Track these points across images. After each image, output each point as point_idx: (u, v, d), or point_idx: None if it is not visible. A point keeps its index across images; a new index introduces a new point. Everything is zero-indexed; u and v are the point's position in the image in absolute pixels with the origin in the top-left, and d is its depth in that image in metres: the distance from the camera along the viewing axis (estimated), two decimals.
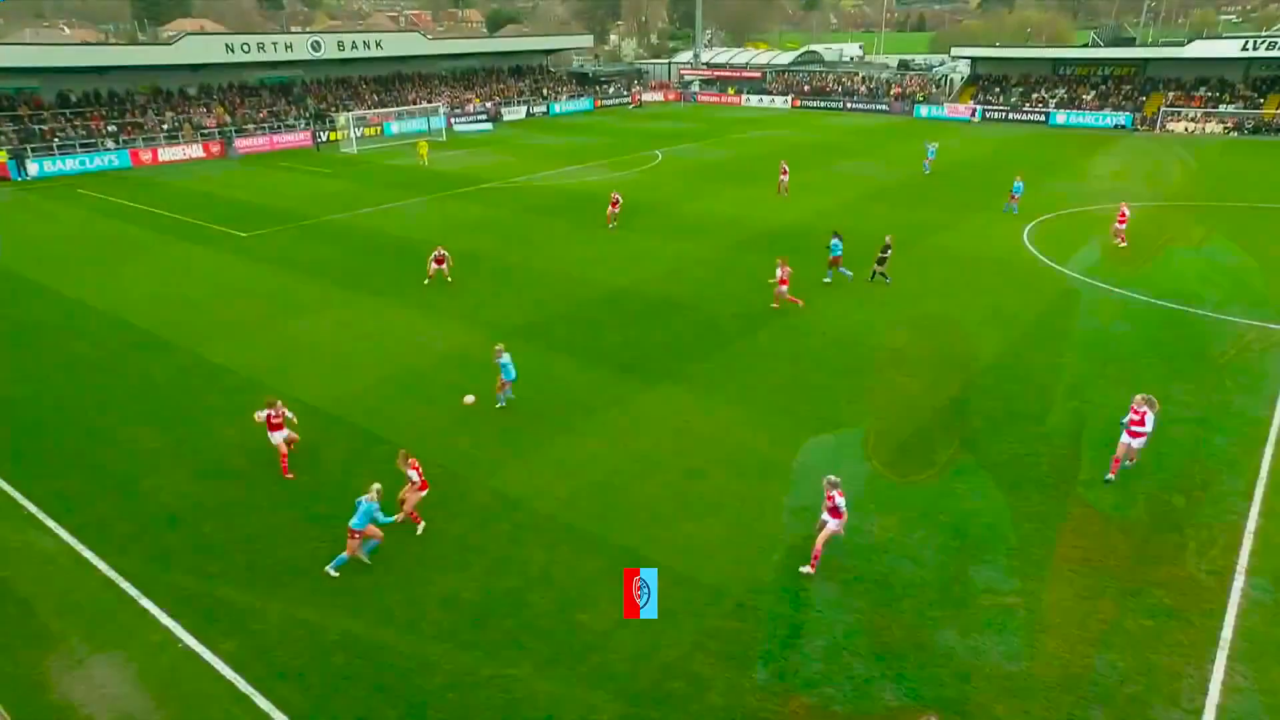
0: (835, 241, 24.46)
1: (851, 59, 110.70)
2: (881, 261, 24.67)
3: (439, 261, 25.54)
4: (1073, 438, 15.83)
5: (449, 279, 25.51)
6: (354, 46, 63.93)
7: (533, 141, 58.45)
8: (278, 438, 14.83)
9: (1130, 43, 76.88)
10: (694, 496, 13.99)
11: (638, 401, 17.61)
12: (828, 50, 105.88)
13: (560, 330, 21.70)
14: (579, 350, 20.36)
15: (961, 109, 68.60)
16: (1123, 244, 28.17)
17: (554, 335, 21.33)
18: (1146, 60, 65.74)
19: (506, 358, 16.58)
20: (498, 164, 48.21)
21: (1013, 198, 34.00)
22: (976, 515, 13.47)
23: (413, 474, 13.09)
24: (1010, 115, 66.38)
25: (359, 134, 58.11)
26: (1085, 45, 75.59)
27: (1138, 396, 14.17)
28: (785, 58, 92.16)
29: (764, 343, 20.75)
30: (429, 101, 66.75)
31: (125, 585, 12.20)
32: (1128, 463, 14.41)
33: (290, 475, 14.85)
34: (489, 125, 66.61)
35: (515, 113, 72.30)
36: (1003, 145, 54.06)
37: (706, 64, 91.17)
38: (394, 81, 70.37)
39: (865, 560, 12.50)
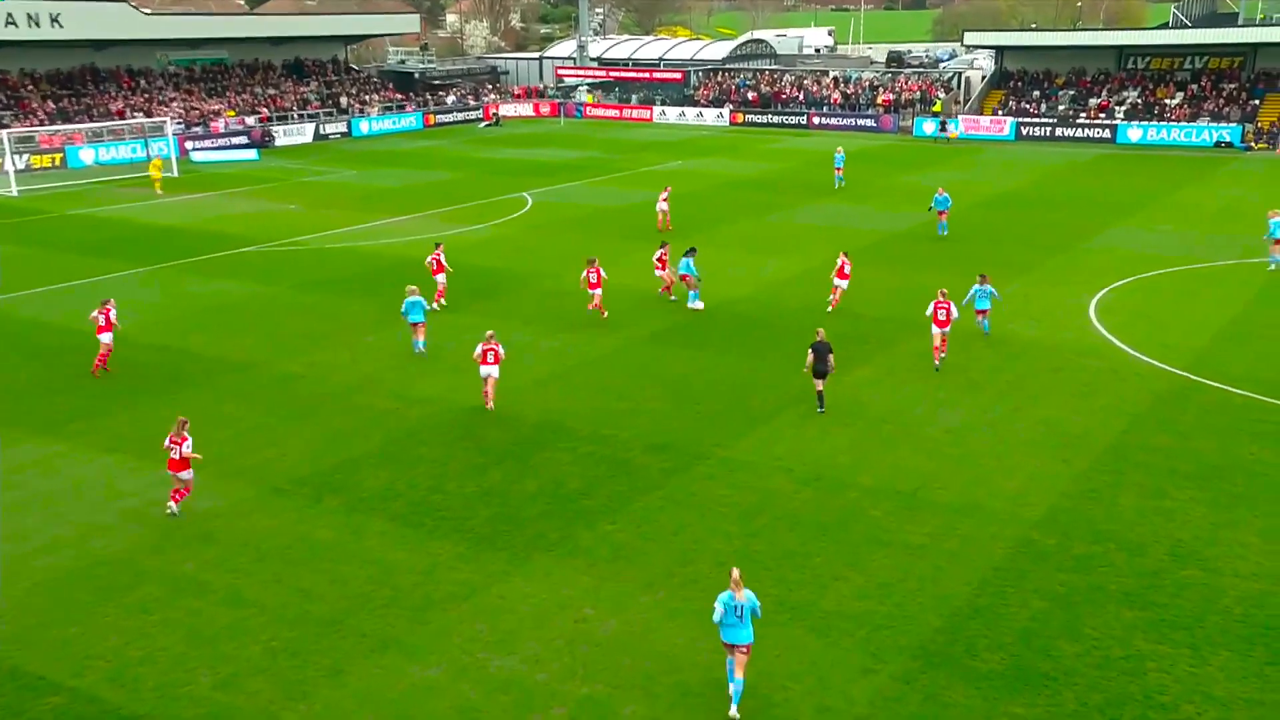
0: (680, 258, 32.08)
1: (817, 51, 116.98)
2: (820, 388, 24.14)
3: (437, 271, 32.55)
4: (1189, 630, 16.13)
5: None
6: (10, 23, 63.55)
7: (324, 178, 58.89)
8: (106, 339, 27.08)
9: (1231, 21, 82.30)
10: None
11: (503, 591, 17.36)
12: (781, 38, 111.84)
13: (373, 479, 21.44)
14: (406, 511, 20.09)
15: (985, 122, 72.92)
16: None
17: (363, 488, 21.06)
18: (1256, 46, 71.02)
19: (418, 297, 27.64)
20: (266, 215, 48.29)
21: (837, 170, 53.58)
22: None
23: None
24: (1058, 131, 70.83)
25: (22, 164, 57.94)
26: (1164, 26, 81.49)
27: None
28: (718, 49, 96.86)
29: (699, 488, 20.90)
30: (146, 114, 66.87)
31: None
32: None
33: (97, 374, 27.15)
34: (252, 153, 67.08)
35: (296, 134, 73.29)
36: (1048, 176, 57.52)
37: (598, 60, 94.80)
38: (84, 81, 70.44)
39: None
